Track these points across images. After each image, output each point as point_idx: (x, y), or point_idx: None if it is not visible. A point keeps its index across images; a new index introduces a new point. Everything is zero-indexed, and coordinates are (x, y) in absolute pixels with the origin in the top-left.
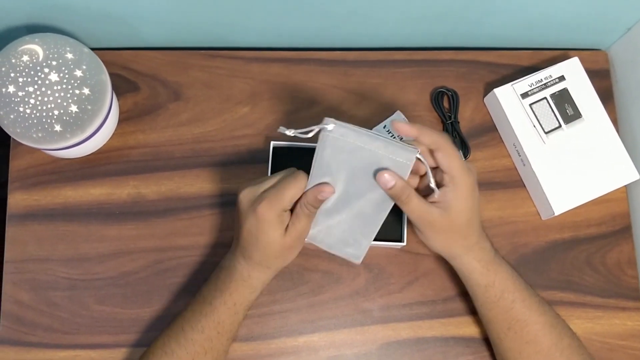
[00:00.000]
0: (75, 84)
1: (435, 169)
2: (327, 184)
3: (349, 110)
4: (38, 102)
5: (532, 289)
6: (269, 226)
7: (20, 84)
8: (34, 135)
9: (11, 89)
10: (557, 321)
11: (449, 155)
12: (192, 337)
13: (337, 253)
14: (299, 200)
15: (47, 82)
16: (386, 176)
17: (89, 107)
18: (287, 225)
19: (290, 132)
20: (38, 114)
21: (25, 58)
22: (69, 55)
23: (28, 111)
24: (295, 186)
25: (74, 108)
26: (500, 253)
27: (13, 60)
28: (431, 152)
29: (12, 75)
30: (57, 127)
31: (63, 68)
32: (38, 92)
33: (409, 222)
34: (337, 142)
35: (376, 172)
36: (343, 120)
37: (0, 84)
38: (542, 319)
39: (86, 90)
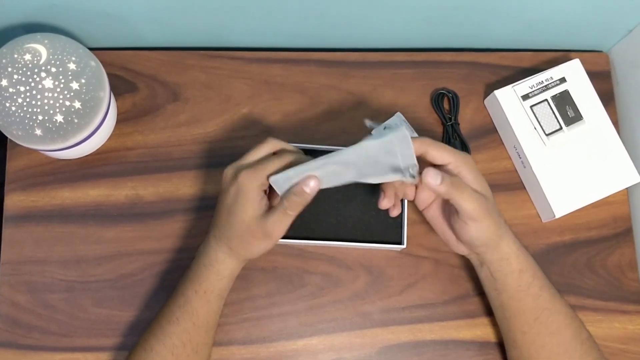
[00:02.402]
0: (68, 96)
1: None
2: (313, 177)
3: (349, 112)
4: (25, 103)
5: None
6: (246, 198)
7: (14, 80)
8: (14, 132)
9: (4, 82)
10: (575, 314)
11: (460, 198)
12: (168, 330)
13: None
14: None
15: (39, 86)
16: (432, 173)
17: (76, 121)
18: (265, 213)
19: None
20: (22, 114)
21: (27, 57)
22: (71, 66)
23: (13, 108)
24: (277, 162)
25: (59, 118)
26: None
27: (15, 56)
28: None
29: (10, 69)
30: (38, 132)
31: (60, 77)
32: (28, 94)
33: (409, 224)
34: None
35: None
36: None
37: None
38: (565, 309)
39: (77, 104)
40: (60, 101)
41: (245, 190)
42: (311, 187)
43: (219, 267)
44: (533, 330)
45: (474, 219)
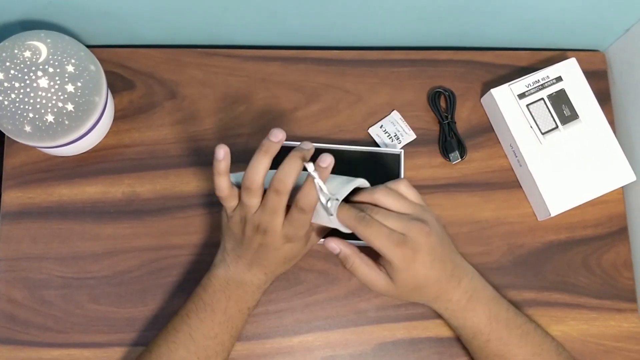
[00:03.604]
0: (62, 97)
1: None
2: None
3: (345, 110)
4: (18, 100)
5: (517, 318)
6: (276, 247)
7: (10, 75)
8: (4, 125)
9: (0, 76)
10: (542, 349)
11: (367, 238)
12: (204, 344)
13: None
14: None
15: (34, 85)
16: (332, 244)
17: (67, 122)
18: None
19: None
20: (13, 109)
21: (27, 54)
22: (69, 68)
23: (6, 103)
24: (280, 201)
25: (50, 118)
26: (496, 254)
27: (15, 51)
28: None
29: (7, 64)
30: (27, 128)
31: (57, 78)
32: (22, 91)
33: None
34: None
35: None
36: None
37: None
38: (523, 350)
39: (70, 107)
40: (53, 102)
41: (277, 237)
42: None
43: (265, 288)
44: None
45: (387, 292)
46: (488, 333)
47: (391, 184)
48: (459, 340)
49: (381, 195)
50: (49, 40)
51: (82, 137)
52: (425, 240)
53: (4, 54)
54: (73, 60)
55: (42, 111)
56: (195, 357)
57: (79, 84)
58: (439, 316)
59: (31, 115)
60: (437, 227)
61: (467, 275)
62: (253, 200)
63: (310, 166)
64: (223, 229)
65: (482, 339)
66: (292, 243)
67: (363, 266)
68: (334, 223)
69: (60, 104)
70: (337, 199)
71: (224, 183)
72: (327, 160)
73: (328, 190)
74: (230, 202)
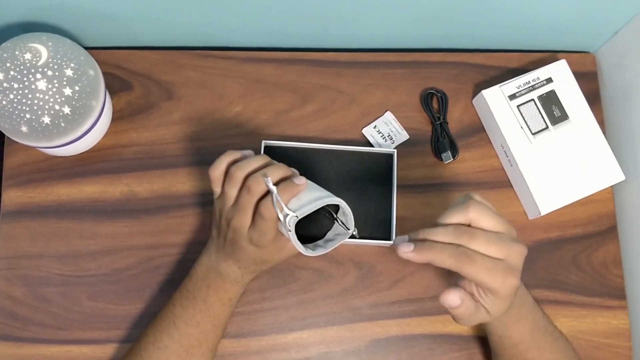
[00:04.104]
0: (59, 100)
1: None
2: (301, 177)
3: (340, 111)
4: (16, 100)
5: (548, 324)
6: (268, 250)
7: (10, 76)
8: (1, 124)
9: (0, 76)
10: (567, 355)
11: (475, 277)
12: (186, 331)
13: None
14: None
15: (32, 87)
16: (454, 299)
17: (63, 125)
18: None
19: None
20: (10, 109)
21: (28, 56)
22: (68, 72)
23: (4, 102)
24: (272, 216)
25: (46, 119)
26: None
27: (16, 52)
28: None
29: (8, 64)
30: (24, 129)
31: (55, 82)
32: (20, 92)
33: (398, 220)
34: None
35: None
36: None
37: None
38: (553, 356)
39: (67, 110)
40: (50, 104)
41: (267, 247)
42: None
43: (246, 281)
44: None
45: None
46: (529, 342)
47: (476, 197)
48: (451, 337)
49: (477, 215)
50: (50, 44)
51: (80, 138)
52: (522, 262)
53: (5, 55)
54: (72, 65)
55: (39, 113)
56: (179, 345)
57: (77, 88)
58: (431, 313)
59: (28, 116)
60: None
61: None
62: (232, 192)
63: (269, 181)
64: (213, 216)
65: (523, 348)
66: (258, 247)
67: (471, 309)
68: (292, 239)
69: (57, 107)
70: (296, 216)
71: (222, 165)
72: (301, 181)
73: (294, 206)
74: (216, 186)
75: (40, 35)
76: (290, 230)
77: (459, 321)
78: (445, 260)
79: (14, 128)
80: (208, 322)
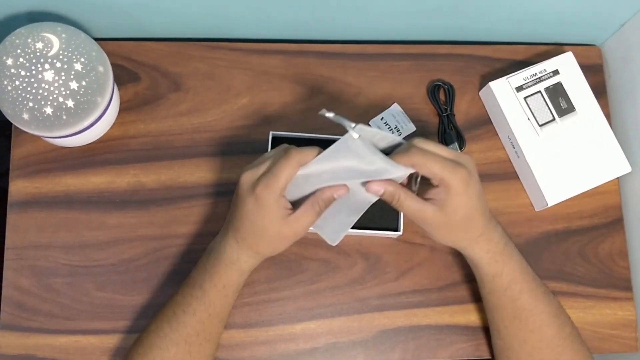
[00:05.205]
0: (64, 93)
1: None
2: (344, 185)
3: (348, 102)
4: (21, 88)
5: (539, 279)
6: (267, 210)
7: (19, 63)
8: (4, 109)
9: (9, 61)
10: (560, 311)
11: (426, 165)
12: (183, 319)
13: (316, 231)
14: (313, 195)
15: (39, 77)
16: (375, 187)
17: (64, 117)
18: (290, 216)
19: (330, 115)
20: (14, 95)
21: (39, 45)
22: (77, 66)
23: (9, 88)
24: (289, 166)
25: (48, 110)
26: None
27: (29, 40)
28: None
29: (19, 51)
30: (25, 116)
31: (62, 74)
32: (26, 80)
33: None
34: (352, 150)
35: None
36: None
37: (5, 52)
38: (547, 309)
39: (70, 103)
40: (54, 96)
41: (265, 203)
42: (339, 194)
43: (242, 266)
44: (513, 325)
45: (432, 227)
46: (522, 282)
47: (421, 144)
48: (458, 328)
49: (418, 158)
50: (63, 35)
51: (85, 130)
52: (475, 168)
53: (17, 41)
54: (83, 59)
55: (42, 102)
56: (177, 334)
57: (84, 83)
58: (438, 304)
59: (30, 104)
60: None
61: (497, 222)
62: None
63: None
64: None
65: (516, 290)
66: (257, 202)
67: (409, 199)
68: (345, 123)
69: (60, 99)
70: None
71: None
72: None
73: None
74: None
75: (55, 25)
76: (353, 127)
77: (412, 217)
78: (402, 158)
79: (16, 114)
80: (204, 311)
